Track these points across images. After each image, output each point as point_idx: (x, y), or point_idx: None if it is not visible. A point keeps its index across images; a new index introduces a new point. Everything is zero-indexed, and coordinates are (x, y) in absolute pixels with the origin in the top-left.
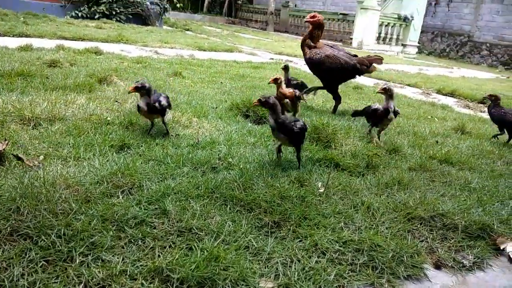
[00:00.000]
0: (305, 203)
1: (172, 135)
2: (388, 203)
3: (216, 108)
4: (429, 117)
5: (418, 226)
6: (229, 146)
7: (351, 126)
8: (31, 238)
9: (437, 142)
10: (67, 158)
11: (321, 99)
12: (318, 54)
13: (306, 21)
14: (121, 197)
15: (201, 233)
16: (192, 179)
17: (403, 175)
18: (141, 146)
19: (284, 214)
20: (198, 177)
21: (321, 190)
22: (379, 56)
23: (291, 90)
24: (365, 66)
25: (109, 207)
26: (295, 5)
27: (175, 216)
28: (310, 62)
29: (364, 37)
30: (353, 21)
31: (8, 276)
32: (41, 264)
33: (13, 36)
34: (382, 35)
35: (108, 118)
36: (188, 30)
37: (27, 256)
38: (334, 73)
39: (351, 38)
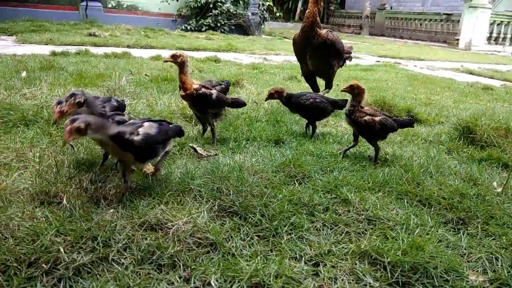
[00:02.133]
0: (485, 202)
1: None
2: None
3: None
4: None
5: None
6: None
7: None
8: (239, 216)
9: None
10: (234, 149)
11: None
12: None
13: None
14: (297, 185)
15: (389, 223)
16: (355, 173)
17: None
18: (293, 141)
19: (467, 211)
20: (360, 171)
21: (499, 190)
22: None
23: None
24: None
25: (294, 193)
26: (391, 7)
27: (358, 206)
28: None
29: (473, 38)
30: (458, 21)
31: (233, 246)
32: (255, 238)
33: (140, 48)
34: (494, 35)
35: (255, 116)
36: (285, 38)
37: (242, 230)
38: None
39: (457, 39)
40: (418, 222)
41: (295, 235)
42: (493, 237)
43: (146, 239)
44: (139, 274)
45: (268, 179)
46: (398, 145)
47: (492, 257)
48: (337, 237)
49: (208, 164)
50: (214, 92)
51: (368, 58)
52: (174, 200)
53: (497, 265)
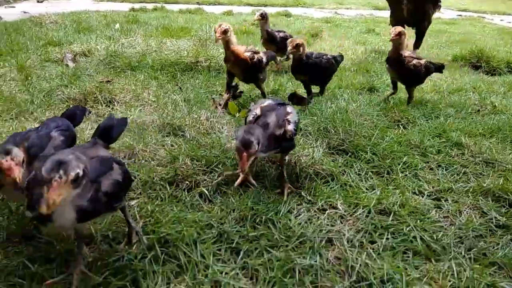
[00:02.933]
0: None
1: None
2: None
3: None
4: None
5: None
6: (478, 92)
7: None
8: (350, 153)
9: None
10: (329, 97)
11: None
12: None
13: None
14: (402, 128)
15: (508, 165)
16: (461, 120)
17: None
18: (387, 89)
19: None
20: (467, 118)
21: None
22: None
23: None
24: None
25: (401, 136)
26: None
27: (473, 149)
28: None
29: None
30: None
31: (349, 179)
32: (370, 173)
33: (209, 5)
34: None
35: (342, 65)
36: None
37: (355, 166)
38: None
39: None
40: None
41: (409, 173)
42: None
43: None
44: (268, 194)
45: (373, 122)
46: (502, 95)
47: None
48: (454, 177)
49: (311, 108)
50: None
51: (447, 12)
52: None
53: None
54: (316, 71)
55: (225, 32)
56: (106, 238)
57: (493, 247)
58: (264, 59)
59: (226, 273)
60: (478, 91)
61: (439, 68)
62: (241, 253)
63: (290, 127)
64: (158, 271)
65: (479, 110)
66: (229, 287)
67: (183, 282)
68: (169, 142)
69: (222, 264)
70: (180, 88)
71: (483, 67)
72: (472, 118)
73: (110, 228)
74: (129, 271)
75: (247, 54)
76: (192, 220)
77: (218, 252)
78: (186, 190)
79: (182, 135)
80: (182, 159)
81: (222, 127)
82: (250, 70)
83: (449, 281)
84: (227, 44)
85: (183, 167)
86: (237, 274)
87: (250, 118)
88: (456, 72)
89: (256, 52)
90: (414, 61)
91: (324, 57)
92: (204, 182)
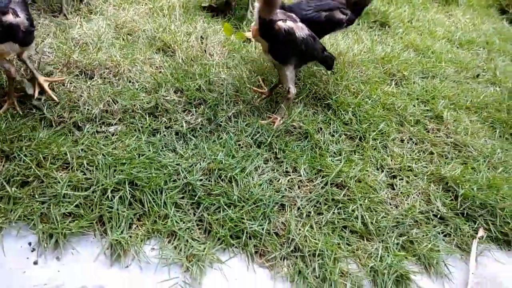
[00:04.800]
0: None
1: None
2: None
3: None
4: None
5: None
6: (488, 53)
7: None
8: (333, 111)
9: None
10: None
11: None
12: None
13: None
14: (393, 85)
15: (474, 152)
16: (457, 85)
17: None
18: (400, 26)
19: None
20: (463, 83)
21: None
22: None
23: None
24: None
25: (389, 95)
26: None
27: (450, 127)
28: None
29: None
30: None
31: (322, 139)
32: (343, 136)
33: None
34: None
35: None
36: None
37: (332, 126)
38: None
39: None
40: (503, 159)
41: (380, 143)
42: None
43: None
44: (240, 145)
45: (367, 75)
46: (511, 57)
47: None
48: (419, 155)
49: None
50: None
51: None
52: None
53: None
54: None
55: None
56: None
57: (422, 237)
58: None
59: (183, 222)
60: (490, 47)
61: None
62: (201, 206)
63: None
64: (123, 212)
65: (478, 75)
66: (183, 240)
67: (144, 226)
68: (158, 60)
69: (181, 215)
70: None
71: (510, 13)
72: (467, 84)
73: None
74: (97, 209)
75: None
76: (162, 165)
77: (180, 201)
78: (164, 125)
79: (171, 55)
80: (165, 89)
81: (213, 50)
82: None
83: (372, 261)
84: None
85: (165, 99)
86: (193, 225)
87: None
88: (478, 15)
89: None
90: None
91: None
92: (182, 120)
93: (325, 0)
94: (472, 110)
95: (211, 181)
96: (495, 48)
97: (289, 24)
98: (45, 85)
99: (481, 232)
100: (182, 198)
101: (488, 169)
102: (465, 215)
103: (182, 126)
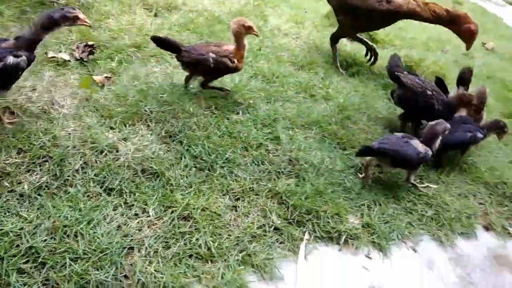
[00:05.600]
0: None
1: None
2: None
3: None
4: None
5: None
6: (325, 72)
7: None
8: (184, 146)
9: None
10: None
11: None
12: None
13: None
14: (241, 114)
15: (306, 165)
16: (296, 105)
17: None
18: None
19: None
20: (301, 104)
21: None
22: None
23: None
24: None
25: (235, 125)
26: None
27: (286, 146)
28: None
29: None
30: None
31: (173, 176)
32: (193, 169)
33: None
34: None
35: None
36: None
37: (183, 161)
38: None
39: None
40: (329, 167)
41: (227, 170)
42: (383, 186)
43: (100, 162)
44: (89, 196)
45: (216, 107)
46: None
47: (372, 204)
48: (260, 174)
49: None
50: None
51: None
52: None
53: (373, 212)
54: None
55: None
56: None
57: (260, 249)
58: None
59: (28, 286)
60: (328, 66)
61: None
62: (46, 267)
63: None
64: None
65: (314, 95)
66: None
67: None
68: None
69: (25, 279)
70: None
71: None
72: (305, 103)
73: None
74: None
75: None
76: (3, 232)
77: (24, 265)
78: (6, 190)
79: (17, 114)
80: (6, 152)
81: (63, 102)
82: None
83: (215, 281)
84: None
85: (6, 163)
86: (39, 287)
87: None
88: (322, 35)
89: None
90: None
91: None
92: (25, 181)
93: None
94: (306, 127)
95: (56, 240)
96: (332, 67)
97: None
98: None
99: (307, 235)
100: (27, 262)
101: (317, 177)
102: (295, 222)
103: (24, 187)
